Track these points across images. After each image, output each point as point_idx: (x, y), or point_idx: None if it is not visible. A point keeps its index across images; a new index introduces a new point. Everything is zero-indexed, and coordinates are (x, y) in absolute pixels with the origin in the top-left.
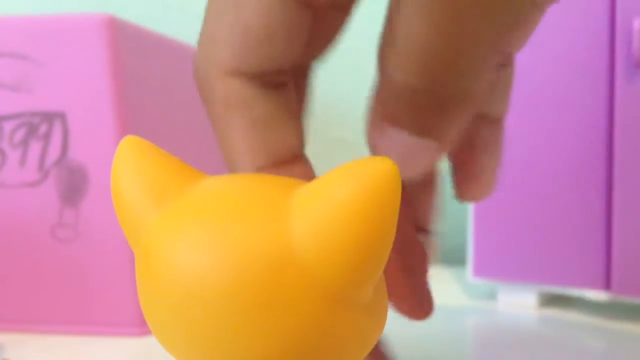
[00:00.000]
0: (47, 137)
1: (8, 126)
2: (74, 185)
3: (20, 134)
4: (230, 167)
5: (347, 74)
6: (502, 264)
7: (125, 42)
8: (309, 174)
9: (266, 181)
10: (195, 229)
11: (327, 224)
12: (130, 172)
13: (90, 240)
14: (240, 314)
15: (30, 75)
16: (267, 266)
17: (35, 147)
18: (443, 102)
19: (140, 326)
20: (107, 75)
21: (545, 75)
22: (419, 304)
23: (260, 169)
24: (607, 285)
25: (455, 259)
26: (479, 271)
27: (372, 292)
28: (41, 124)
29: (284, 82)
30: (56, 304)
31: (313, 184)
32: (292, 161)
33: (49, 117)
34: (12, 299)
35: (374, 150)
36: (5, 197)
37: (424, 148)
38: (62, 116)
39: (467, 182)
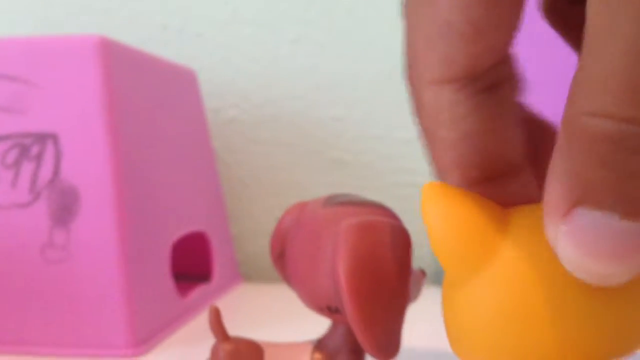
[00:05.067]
0: (39, 158)
1: (0, 147)
2: (65, 206)
3: (12, 155)
4: (439, 178)
5: (342, 94)
6: None
7: (118, 64)
8: (528, 187)
9: None
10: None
11: None
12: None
13: (81, 261)
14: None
15: (22, 97)
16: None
17: (27, 168)
18: None
19: (131, 347)
20: (99, 96)
21: (534, 107)
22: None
23: (471, 184)
24: None
25: None
26: None
27: None
28: (33, 145)
29: (498, 81)
30: (46, 326)
31: None
32: (508, 174)
33: (41, 138)
34: (1, 320)
35: (555, 244)
36: None
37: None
38: (54, 137)
39: None
